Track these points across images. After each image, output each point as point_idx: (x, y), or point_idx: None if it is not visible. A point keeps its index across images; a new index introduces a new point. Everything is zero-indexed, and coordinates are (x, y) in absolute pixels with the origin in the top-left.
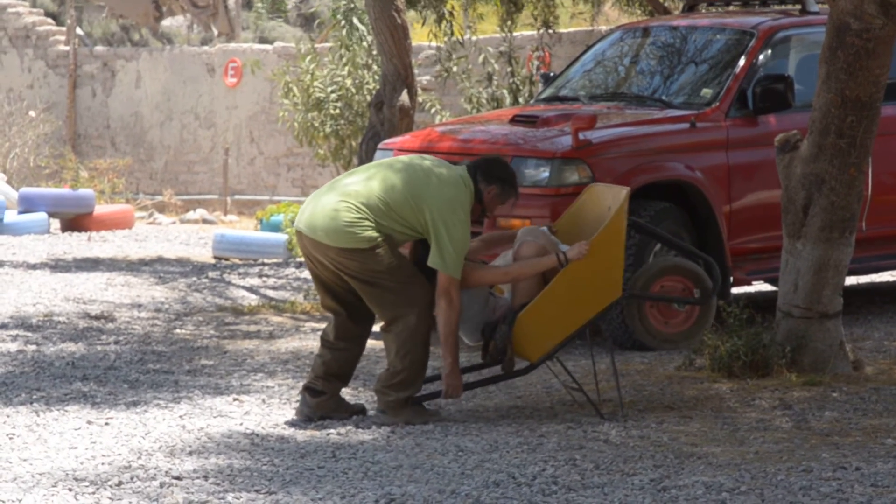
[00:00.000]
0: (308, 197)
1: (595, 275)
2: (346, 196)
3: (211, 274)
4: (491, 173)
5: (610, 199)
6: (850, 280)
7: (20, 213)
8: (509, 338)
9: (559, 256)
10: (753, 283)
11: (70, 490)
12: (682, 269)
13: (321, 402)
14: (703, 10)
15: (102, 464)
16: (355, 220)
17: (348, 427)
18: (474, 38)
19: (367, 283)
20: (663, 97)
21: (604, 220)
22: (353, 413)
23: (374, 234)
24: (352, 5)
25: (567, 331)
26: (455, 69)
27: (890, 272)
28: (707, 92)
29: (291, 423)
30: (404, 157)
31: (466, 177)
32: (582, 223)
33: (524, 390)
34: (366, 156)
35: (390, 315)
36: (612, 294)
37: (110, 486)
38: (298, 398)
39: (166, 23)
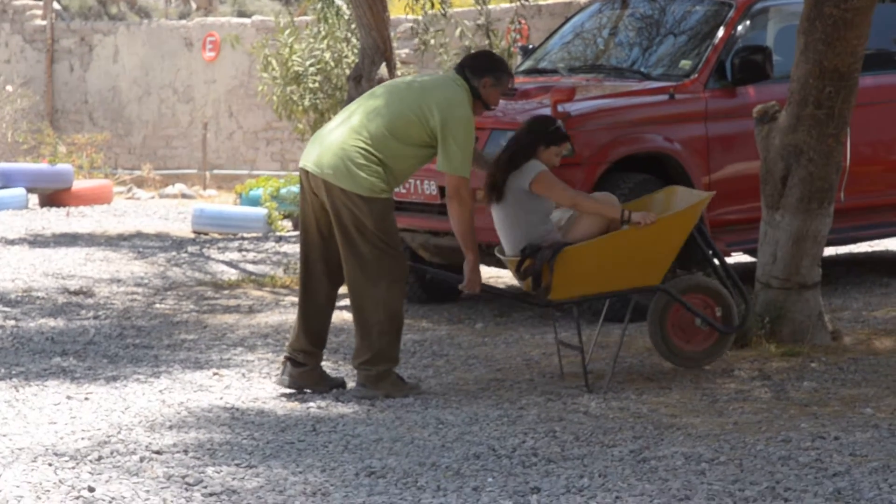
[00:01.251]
0: (310, 141)
1: (647, 252)
2: (354, 133)
3: (190, 248)
4: (479, 66)
5: (686, 201)
6: (829, 251)
7: None
8: (549, 263)
9: (623, 213)
10: (732, 254)
11: (50, 465)
12: (711, 290)
13: (303, 373)
14: None
15: (82, 438)
16: (363, 164)
17: (328, 401)
18: (452, 10)
19: (350, 237)
20: (642, 69)
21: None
22: (334, 387)
23: (377, 181)
24: None
25: (597, 288)
26: (433, 42)
27: (868, 243)
28: (686, 63)
29: (272, 397)
30: (383, 84)
31: (457, 77)
32: None
33: (504, 363)
34: None
35: (356, 278)
36: (650, 279)
37: (90, 461)
38: (279, 369)
39: None
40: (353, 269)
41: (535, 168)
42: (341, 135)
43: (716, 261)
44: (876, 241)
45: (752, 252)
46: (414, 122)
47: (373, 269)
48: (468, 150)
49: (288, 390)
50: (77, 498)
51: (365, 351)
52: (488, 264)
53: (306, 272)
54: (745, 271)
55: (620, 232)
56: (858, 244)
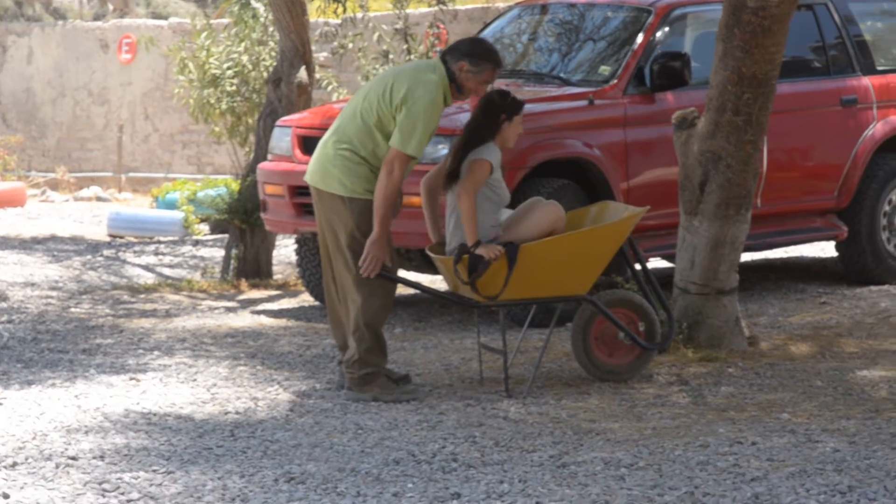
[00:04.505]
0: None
1: (577, 261)
2: (334, 132)
3: (106, 252)
4: (457, 50)
5: (617, 215)
6: (745, 256)
7: None
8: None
9: (475, 242)
10: (650, 259)
11: None
12: (635, 305)
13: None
14: None
15: None
16: (343, 164)
17: (247, 405)
18: (370, 14)
19: (336, 240)
20: (561, 74)
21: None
22: (398, 381)
23: (357, 180)
24: None
25: (526, 293)
26: (351, 46)
27: (784, 248)
28: (605, 69)
29: (190, 402)
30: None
31: (437, 62)
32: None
33: (423, 368)
34: (263, 133)
35: (343, 280)
36: (578, 288)
37: (4, 467)
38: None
39: None
40: (340, 271)
41: (483, 153)
42: (327, 138)
43: (642, 274)
44: (792, 247)
45: (669, 257)
46: (383, 105)
47: (355, 275)
48: (425, 131)
49: (207, 395)
50: None
51: (350, 352)
52: (424, 272)
53: (323, 277)
54: (663, 276)
55: (555, 238)
56: (774, 250)
